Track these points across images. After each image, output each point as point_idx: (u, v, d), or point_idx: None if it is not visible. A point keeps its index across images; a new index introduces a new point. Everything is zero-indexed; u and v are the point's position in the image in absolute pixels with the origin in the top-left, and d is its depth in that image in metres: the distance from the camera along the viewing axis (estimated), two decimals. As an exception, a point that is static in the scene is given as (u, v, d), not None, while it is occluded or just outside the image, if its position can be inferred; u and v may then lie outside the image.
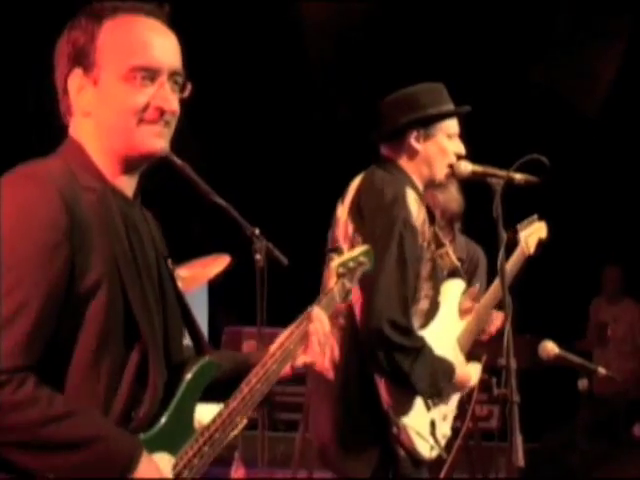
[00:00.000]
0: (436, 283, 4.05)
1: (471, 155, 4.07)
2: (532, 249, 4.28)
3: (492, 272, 5.67)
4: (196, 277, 5.20)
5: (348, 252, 2.92)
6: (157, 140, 2.28)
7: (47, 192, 2.11)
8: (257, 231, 3.97)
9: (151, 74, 2.25)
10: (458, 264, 4.26)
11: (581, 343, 8.69)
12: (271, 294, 3.63)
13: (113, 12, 2.26)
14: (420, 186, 4.08)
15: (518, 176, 3.82)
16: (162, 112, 2.26)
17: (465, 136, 4.12)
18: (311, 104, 8.95)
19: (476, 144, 4.12)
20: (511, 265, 4.21)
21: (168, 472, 2.22)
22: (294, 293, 4.15)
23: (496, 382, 3.53)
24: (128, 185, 2.30)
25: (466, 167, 3.96)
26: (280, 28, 8.73)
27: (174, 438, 2.25)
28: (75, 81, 2.25)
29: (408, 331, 3.82)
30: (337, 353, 3.89)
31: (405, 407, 3.84)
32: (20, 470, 2.08)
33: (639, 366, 8.80)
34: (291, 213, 8.13)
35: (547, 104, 9.03)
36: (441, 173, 4.06)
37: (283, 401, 8.01)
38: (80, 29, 2.24)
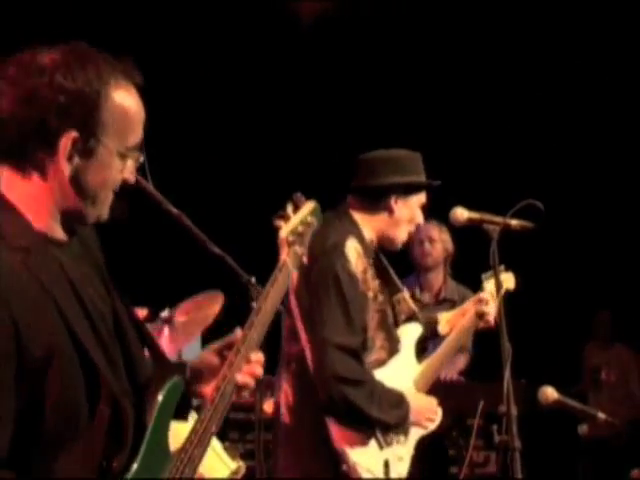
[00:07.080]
0: (389, 334, 4.11)
1: (464, 201, 4.10)
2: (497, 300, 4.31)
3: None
4: (196, 320, 5.13)
5: (294, 216, 2.83)
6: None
7: None
8: (253, 279, 3.98)
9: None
10: (415, 309, 4.32)
11: (576, 388, 8.67)
12: (267, 342, 3.63)
13: (114, 74, 2.17)
14: (372, 241, 4.14)
15: (514, 222, 3.85)
16: (124, 184, 2.25)
17: (460, 182, 4.15)
18: (297, 151, 8.95)
19: (468, 190, 4.15)
20: (466, 323, 4.28)
21: None
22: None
23: (496, 429, 3.51)
24: (58, 227, 2.21)
25: (462, 214, 3.98)
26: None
27: (154, 471, 2.22)
28: (68, 145, 2.12)
29: (359, 376, 3.88)
30: (291, 397, 3.96)
31: (356, 446, 3.89)
32: None
33: (632, 411, 8.77)
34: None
35: (537, 151, 9.06)
36: (403, 236, 4.17)
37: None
38: (81, 83, 2.12)
